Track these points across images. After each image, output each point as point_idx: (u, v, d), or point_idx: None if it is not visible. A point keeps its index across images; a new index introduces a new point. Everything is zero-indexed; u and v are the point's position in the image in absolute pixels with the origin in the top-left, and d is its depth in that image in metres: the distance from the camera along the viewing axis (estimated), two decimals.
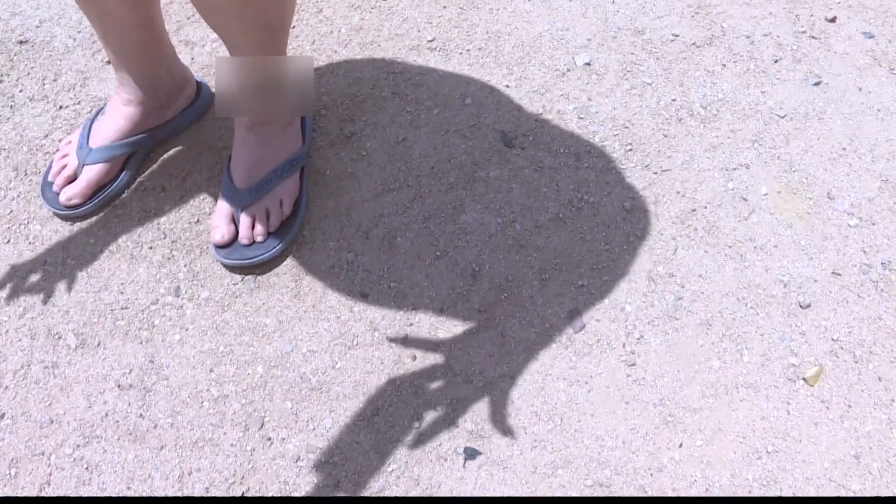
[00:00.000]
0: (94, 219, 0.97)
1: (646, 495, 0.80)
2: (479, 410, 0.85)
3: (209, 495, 0.80)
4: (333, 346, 0.88)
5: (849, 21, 1.15)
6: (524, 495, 0.80)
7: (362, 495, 0.80)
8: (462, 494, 0.80)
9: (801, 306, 0.91)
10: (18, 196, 0.98)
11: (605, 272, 0.93)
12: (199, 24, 1.15)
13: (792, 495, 0.80)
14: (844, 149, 1.03)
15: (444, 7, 1.17)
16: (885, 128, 1.05)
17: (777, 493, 0.81)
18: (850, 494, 0.81)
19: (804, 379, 0.87)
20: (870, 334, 0.89)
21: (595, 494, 0.80)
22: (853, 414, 0.85)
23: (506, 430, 0.83)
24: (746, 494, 0.80)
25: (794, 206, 0.98)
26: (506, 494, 0.80)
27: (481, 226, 0.96)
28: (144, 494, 0.80)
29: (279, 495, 0.80)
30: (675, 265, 0.94)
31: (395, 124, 1.04)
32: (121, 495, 0.80)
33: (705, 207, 0.98)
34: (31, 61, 1.11)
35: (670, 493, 0.80)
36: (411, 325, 0.89)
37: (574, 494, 0.80)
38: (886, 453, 0.82)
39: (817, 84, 1.09)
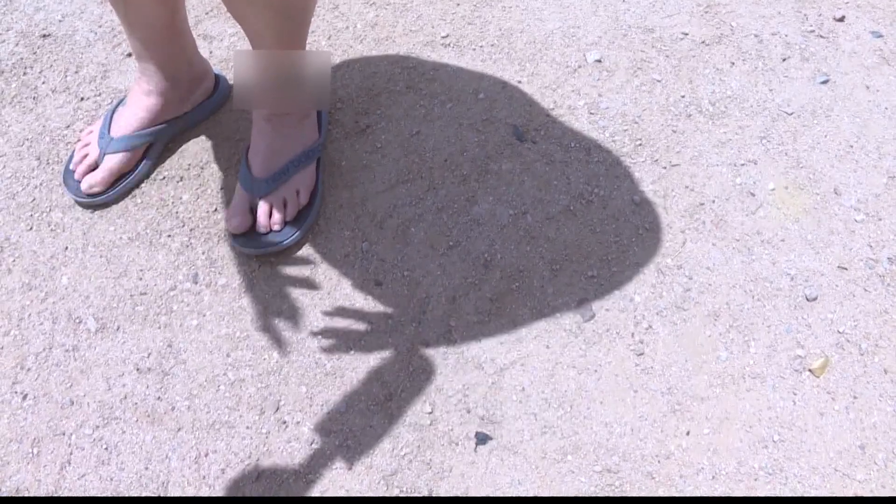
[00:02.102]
0: (114, 207, 0.99)
1: (653, 482, 0.82)
2: (491, 397, 0.86)
3: (217, 482, 0.82)
4: (348, 332, 0.90)
5: (857, 20, 1.17)
6: (534, 480, 0.82)
7: (375, 479, 0.82)
8: (473, 478, 0.82)
9: (807, 299, 0.92)
10: (41, 184, 1.01)
11: (615, 263, 0.95)
12: (218, 19, 1.17)
13: (798, 485, 0.82)
14: (852, 146, 1.04)
15: (458, 4, 1.19)
16: (892, 126, 1.06)
17: (783, 482, 0.82)
18: (855, 484, 0.82)
19: (810, 370, 0.88)
20: (875, 327, 0.91)
21: (604, 480, 0.82)
22: (858, 405, 0.86)
23: (516, 417, 0.85)
24: (752, 482, 0.82)
25: (801, 201, 1.00)
26: (516, 479, 0.82)
27: (493, 217, 0.98)
28: (162, 475, 0.82)
29: (293, 478, 0.82)
30: (684, 257, 0.95)
31: (409, 118, 1.06)
32: (138, 476, 0.82)
33: (713, 202, 1.00)
34: (53, 54, 1.13)
35: (677, 480, 0.82)
36: (424, 313, 0.91)
37: (583, 479, 0.82)
38: (892, 444, 0.84)
39: (825, 82, 1.10)
